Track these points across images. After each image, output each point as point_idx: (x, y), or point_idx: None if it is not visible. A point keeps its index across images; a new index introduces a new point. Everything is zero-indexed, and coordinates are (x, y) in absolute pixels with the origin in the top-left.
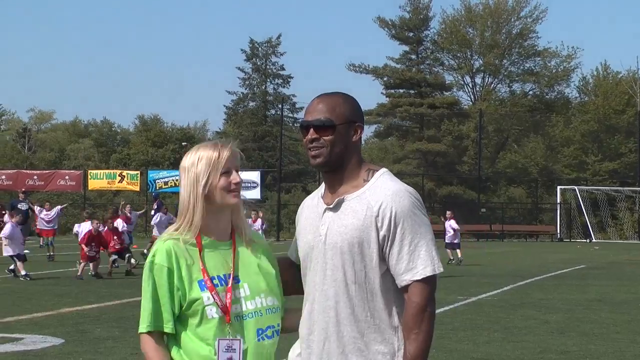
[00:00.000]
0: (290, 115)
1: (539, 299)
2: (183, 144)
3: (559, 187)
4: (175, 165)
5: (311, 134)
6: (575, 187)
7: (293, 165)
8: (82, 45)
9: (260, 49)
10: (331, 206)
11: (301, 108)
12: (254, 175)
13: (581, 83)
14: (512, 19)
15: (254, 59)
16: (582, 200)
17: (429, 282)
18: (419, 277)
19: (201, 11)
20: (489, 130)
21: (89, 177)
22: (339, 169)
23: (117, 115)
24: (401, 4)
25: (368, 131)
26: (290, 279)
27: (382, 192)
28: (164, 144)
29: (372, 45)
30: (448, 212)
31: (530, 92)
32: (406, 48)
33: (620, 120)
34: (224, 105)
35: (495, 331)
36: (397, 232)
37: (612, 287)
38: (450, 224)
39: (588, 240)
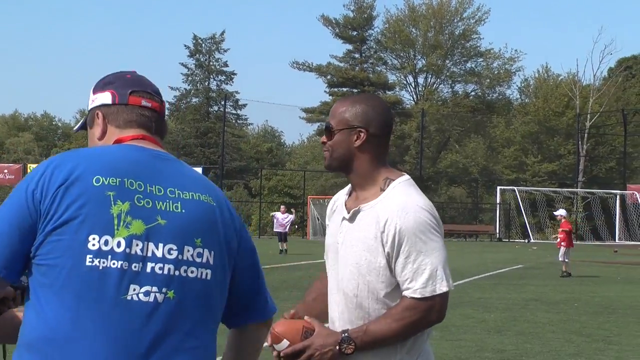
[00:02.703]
0: (234, 112)
1: (477, 298)
2: None
3: (498, 188)
4: None
5: (322, 138)
6: (515, 188)
7: (235, 162)
8: (22, 37)
9: (203, 45)
10: (348, 217)
11: (244, 105)
12: (198, 171)
13: (522, 85)
14: (455, 20)
15: (197, 55)
16: (521, 200)
17: (429, 301)
18: (418, 296)
19: (145, 6)
20: (431, 130)
21: (29, 171)
22: (350, 174)
23: (58, 109)
24: (345, 2)
25: (310, 129)
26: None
27: (390, 206)
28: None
29: (316, 43)
30: None
31: (472, 93)
32: (350, 47)
33: (560, 122)
34: (167, 101)
35: (433, 329)
36: (400, 250)
37: (549, 287)
38: None
39: (526, 241)
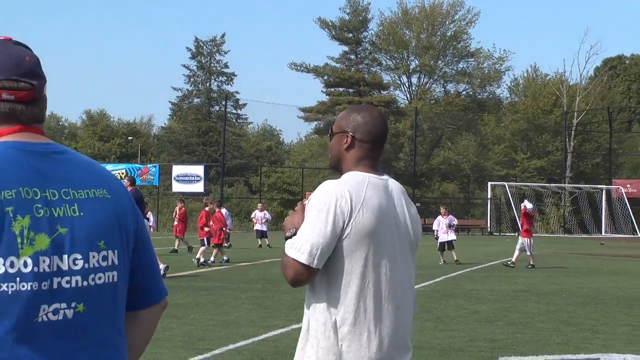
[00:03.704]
0: (234, 111)
1: (469, 289)
2: (129, 138)
3: (489, 183)
4: (121, 158)
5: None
6: (505, 184)
7: (236, 160)
8: (26, 37)
9: (205, 47)
10: None
11: (244, 105)
12: (198, 169)
13: (512, 84)
14: (447, 22)
15: (198, 57)
16: (511, 195)
17: (285, 257)
18: (290, 255)
19: (148, 8)
20: (424, 128)
21: None
22: (340, 172)
23: (65, 109)
24: (341, 5)
25: (308, 128)
26: None
27: None
28: (110, 138)
29: (313, 45)
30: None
31: (464, 92)
32: (345, 48)
33: (548, 120)
34: (170, 102)
35: (427, 320)
36: None
37: (539, 279)
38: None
39: (516, 234)
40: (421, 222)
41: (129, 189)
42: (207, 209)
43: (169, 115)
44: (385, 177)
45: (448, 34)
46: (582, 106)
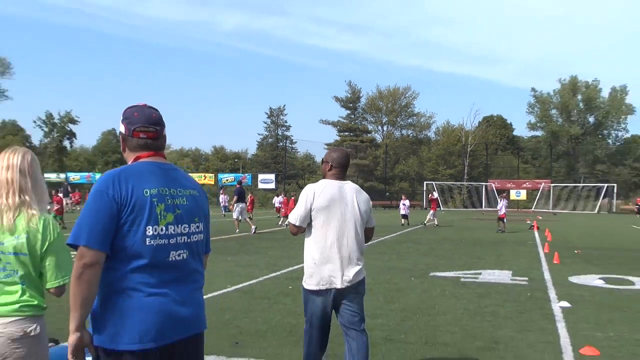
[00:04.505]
0: (290, 145)
1: (414, 238)
2: (236, 160)
3: (425, 182)
4: (232, 170)
5: None
6: (433, 182)
7: (291, 171)
8: (168, 98)
9: (274, 111)
10: None
11: (295, 142)
12: (272, 176)
13: (436, 130)
14: (402, 97)
15: (272, 117)
16: (435, 188)
17: None
18: (290, 221)
19: (244, 88)
20: (390, 154)
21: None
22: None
23: (199, 142)
24: (346, 88)
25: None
26: None
27: None
28: (226, 159)
29: (331, 109)
30: (504, 193)
31: (411, 134)
32: (348, 111)
33: (455, 148)
34: (256, 141)
35: (392, 254)
36: None
37: (449, 232)
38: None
39: (440, 208)
40: (386, 204)
41: (237, 186)
42: (289, 198)
43: (256, 147)
44: (345, 182)
45: (403, 103)
46: (472, 141)
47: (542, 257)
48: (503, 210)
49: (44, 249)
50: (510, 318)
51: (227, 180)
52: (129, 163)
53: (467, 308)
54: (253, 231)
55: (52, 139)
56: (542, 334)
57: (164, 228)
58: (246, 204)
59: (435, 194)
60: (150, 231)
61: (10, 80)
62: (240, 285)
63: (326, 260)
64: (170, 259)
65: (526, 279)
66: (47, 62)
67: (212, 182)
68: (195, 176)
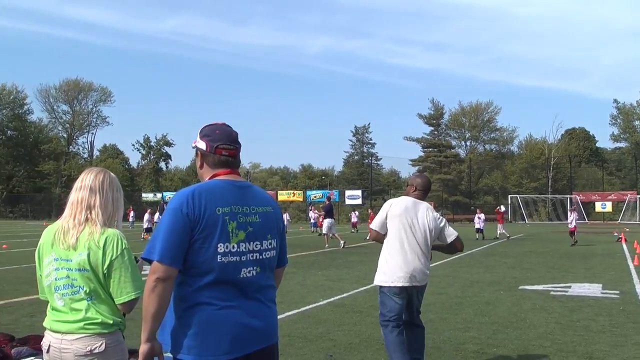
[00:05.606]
0: (375, 162)
1: (500, 251)
2: (323, 177)
3: (509, 196)
4: (320, 187)
5: None
6: (517, 196)
7: (376, 187)
8: (251, 115)
9: (359, 129)
10: None
11: (381, 158)
12: (359, 192)
13: (519, 144)
14: (484, 113)
15: (357, 135)
16: (520, 202)
17: None
18: (372, 227)
19: (330, 108)
20: (474, 168)
21: None
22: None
23: (289, 162)
24: (429, 105)
25: (413, 169)
26: None
27: None
28: (314, 177)
29: (415, 126)
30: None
31: (494, 148)
32: (432, 128)
33: (538, 161)
34: (343, 158)
35: (479, 267)
36: None
37: (536, 246)
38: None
39: (525, 222)
40: (471, 217)
41: (326, 202)
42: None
43: (342, 165)
44: (422, 202)
45: (485, 118)
46: (555, 154)
47: (632, 270)
48: (574, 224)
49: (106, 265)
50: (603, 332)
51: (315, 197)
52: (206, 179)
53: (558, 322)
54: (342, 246)
55: (149, 161)
56: (638, 349)
57: (235, 245)
58: (334, 219)
59: (503, 208)
60: (221, 248)
61: (111, 107)
62: (332, 299)
63: (398, 261)
64: (242, 276)
65: (617, 292)
66: (145, 90)
67: (301, 199)
68: (284, 193)
